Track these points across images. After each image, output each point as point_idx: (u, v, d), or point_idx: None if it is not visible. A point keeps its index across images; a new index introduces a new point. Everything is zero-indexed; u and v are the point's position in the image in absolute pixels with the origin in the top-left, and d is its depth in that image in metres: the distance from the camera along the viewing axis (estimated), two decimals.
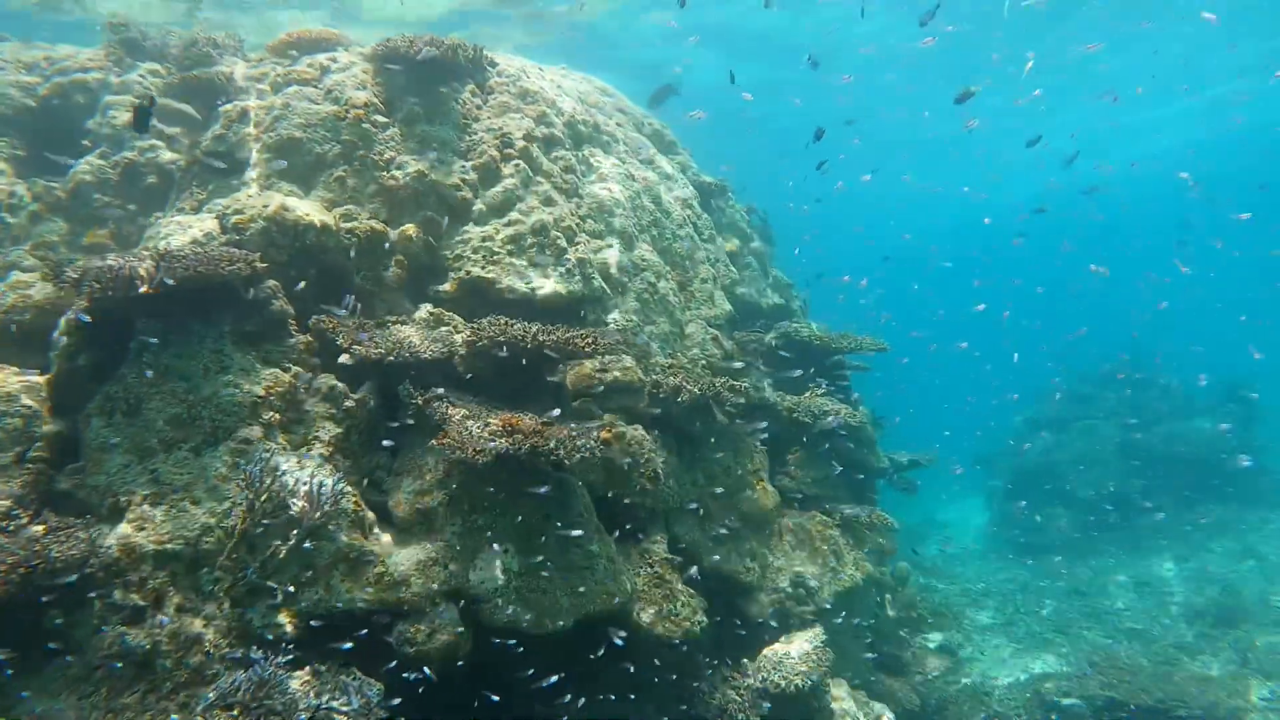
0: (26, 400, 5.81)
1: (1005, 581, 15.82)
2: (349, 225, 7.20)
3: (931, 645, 11.94)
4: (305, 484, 5.41)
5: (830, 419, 9.06)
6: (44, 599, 4.68)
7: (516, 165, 8.10)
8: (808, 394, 9.55)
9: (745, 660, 7.36)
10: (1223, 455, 17.17)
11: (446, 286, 7.52)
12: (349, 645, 5.11)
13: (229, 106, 7.94)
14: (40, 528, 4.97)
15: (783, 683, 7.00)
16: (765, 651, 7.38)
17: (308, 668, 5.02)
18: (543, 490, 5.95)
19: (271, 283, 6.29)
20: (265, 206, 6.83)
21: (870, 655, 9.26)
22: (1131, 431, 18.21)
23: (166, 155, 8.34)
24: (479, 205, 7.88)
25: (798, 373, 9.32)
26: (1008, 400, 20.73)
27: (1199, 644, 11.89)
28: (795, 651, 7.33)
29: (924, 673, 10.30)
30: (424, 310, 7.25)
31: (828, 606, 8.03)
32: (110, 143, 8.46)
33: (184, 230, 6.80)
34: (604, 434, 6.57)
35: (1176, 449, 17.67)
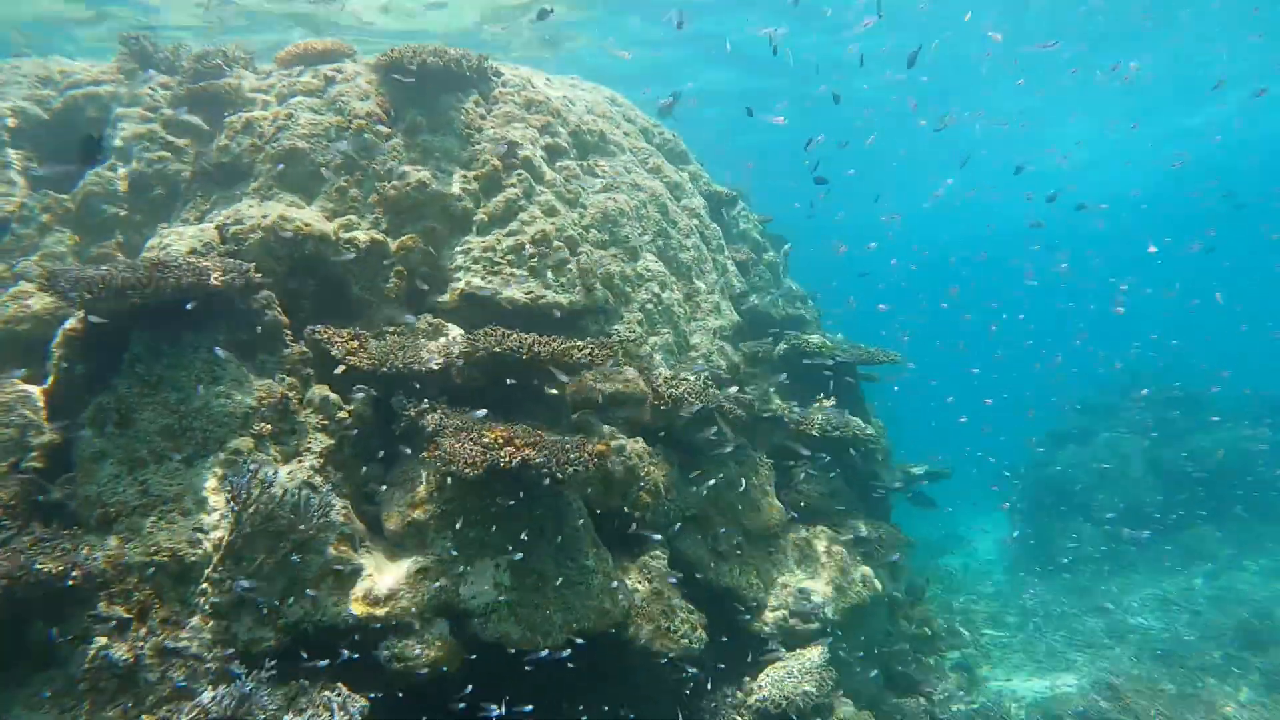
0: (23, 410, 5.82)
1: (1026, 598, 15.45)
2: (349, 235, 7.19)
3: (946, 663, 11.66)
4: (293, 496, 5.35)
5: (839, 431, 8.88)
6: (28, 611, 4.65)
7: (519, 175, 8.06)
8: (816, 405, 9.38)
9: (747, 678, 7.19)
10: (1253, 469, 16.69)
11: (446, 297, 7.48)
12: (331, 661, 5.04)
13: (233, 118, 7.98)
14: (28, 539, 4.96)
15: (784, 702, 6.83)
16: (767, 670, 7.21)
17: (291, 683, 4.95)
18: (529, 502, 5.86)
19: (266, 293, 6.28)
20: (264, 217, 6.84)
21: (880, 674, 9.03)
22: (1156, 444, 17.77)
23: (174, 166, 8.40)
24: (480, 215, 7.83)
25: (780, 377, 9.18)
26: (1025, 413, 20.36)
27: (1226, 666, 11.50)
28: (798, 670, 7.15)
29: (937, 692, 10.04)
30: (423, 321, 7.20)
31: (834, 623, 7.84)
32: (119, 154, 8.53)
33: (183, 240, 6.82)
34: (600, 447, 6.46)
35: (1203, 462, 17.19)
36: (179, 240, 6.86)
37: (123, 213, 8.25)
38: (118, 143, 8.57)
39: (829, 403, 9.50)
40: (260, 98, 8.48)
